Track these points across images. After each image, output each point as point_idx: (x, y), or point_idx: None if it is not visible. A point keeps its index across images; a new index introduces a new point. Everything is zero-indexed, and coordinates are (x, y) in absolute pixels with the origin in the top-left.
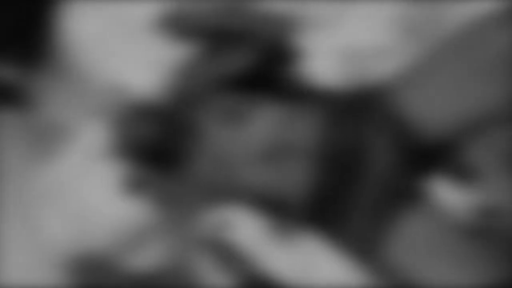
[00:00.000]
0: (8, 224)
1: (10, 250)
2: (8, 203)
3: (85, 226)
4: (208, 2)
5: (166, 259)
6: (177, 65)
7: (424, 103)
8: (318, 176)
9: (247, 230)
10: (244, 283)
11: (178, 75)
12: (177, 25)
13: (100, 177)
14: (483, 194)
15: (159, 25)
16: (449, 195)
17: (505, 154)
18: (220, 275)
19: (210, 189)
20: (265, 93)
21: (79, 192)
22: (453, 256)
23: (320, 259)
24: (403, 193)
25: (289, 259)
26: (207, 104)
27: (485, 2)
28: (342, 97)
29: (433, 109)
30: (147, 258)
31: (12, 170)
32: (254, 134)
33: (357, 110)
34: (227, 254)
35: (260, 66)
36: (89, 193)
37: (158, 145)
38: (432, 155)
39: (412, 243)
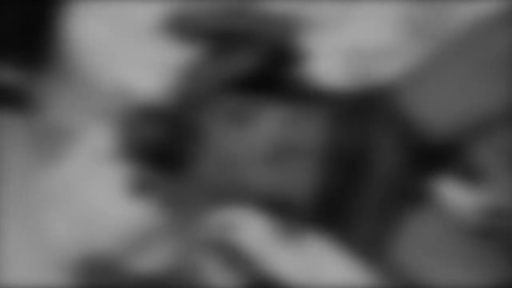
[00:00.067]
0: (12, 226)
1: (15, 252)
2: (13, 205)
3: (91, 228)
4: (212, 4)
5: (172, 260)
6: (181, 67)
7: (430, 103)
8: (323, 177)
9: (252, 231)
10: (250, 284)
11: (183, 77)
12: (182, 28)
13: (105, 179)
14: (489, 194)
15: (164, 27)
16: (455, 196)
17: (510, 154)
18: (226, 276)
19: (215, 191)
20: (270, 94)
21: (85, 194)
22: (459, 256)
23: (326, 260)
24: (409, 194)
25: (295, 260)
26: (212, 106)
27: (490, 2)
28: (347, 98)
29: (439, 109)
30: (152, 260)
31: (17, 173)
32: (259, 136)
33: (363, 111)
34: (232, 256)
35: (264, 68)
36: (94, 195)
37: (163, 147)
38: (438, 155)
39: (419, 243)
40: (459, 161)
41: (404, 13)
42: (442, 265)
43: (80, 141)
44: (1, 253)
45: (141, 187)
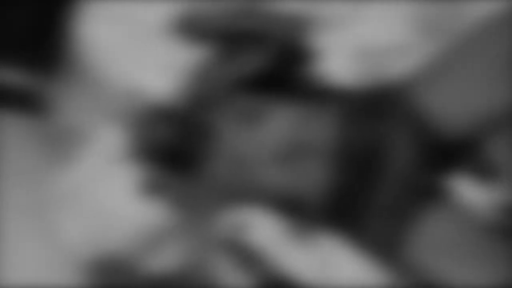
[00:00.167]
0: (25, 228)
1: (28, 253)
2: (25, 207)
3: (103, 228)
4: (222, 4)
5: (184, 260)
6: (192, 68)
7: (443, 100)
8: (335, 175)
9: (264, 231)
10: (263, 284)
11: (194, 77)
12: (192, 28)
13: (117, 180)
14: (504, 191)
15: (174, 28)
16: (469, 193)
17: None
18: (238, 276)
19: (227, 191)
20: (281, 93)
21: (97, 195)
22: (474, 254)
23: (339, 259)
24: (423, 191)
25: (308, 259)
26: (222, 106)
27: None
28: (358, 96)
29: (452, 107)
30: (165, 260)
31: (28, 175)
32: (271, 135)
33: (374, 109)
34: (245, 255)
35: (275, 67)
36: (106, 196)
37: (174, 147)
38: (452, 152)
39: (433, 241)
40: (473, 158)
41: (416, 11)
42: (457, 263)
43: (92, 143)
44: (14, 253)
45: (153, 188)
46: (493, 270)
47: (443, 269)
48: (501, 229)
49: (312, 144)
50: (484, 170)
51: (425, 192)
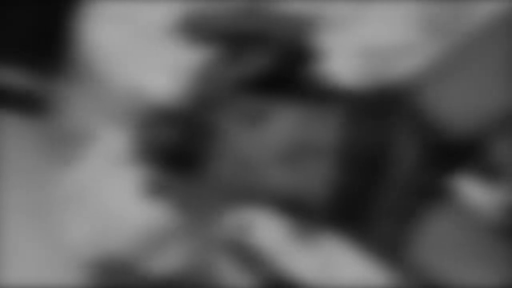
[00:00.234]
0: (27, 229)
1: (30, 254)
2: (27, 207)
3: (106, 230)
4: (226, 4)
5: (187, 261)
6: (196, 68)
7: (448, 101)
8: (339, 176)
9: (268, 232)
10: (266, 285)
11: (197, 78)
12: (196, 29)
13: (120, 181)
14: (508, 192)
15: (178, 29)
16: (474, 193)
17: None
18: (242, 277)
19: (230, 191)
20: (284, 94)
21: (101, 197)
22: (479, 254)
23: (342, 260)
24: (427, 192)
25: (311, 260)
26: (226, 107)
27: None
28: (362, 97)
29: (457, 107)
30: (168, 261)
31: (31, 176)
32: (274, 136)
33: (378, 109)
34: (248, 256)
35: (279, 67)
36: (110, 197)
37: (178, 148)
38: (457, 153)
39: (437, 242)
40: (478, 159)
41: (420, 11)
42: (461, 263)
43: (95, 144)
44: (16, 255)
45: (157, 189)
46: (498, 271)
47: (448, 269)
48: (505, 229)
49: (315, 145)
50: (488, 171)
51: (429, 192)
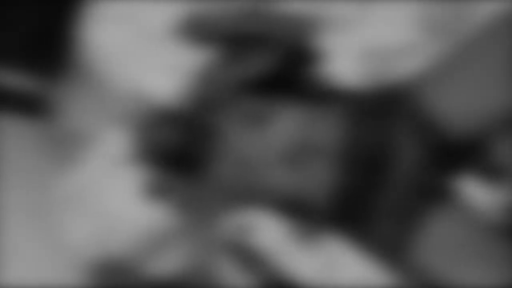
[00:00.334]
0: (28, 230)
1: (30, 255)
2: (28, 209)
3: (108, 231)
4: (227, 5)
5: (188, 263)
6: (198, 70)
7: (450, 101)
8: (341, 177)
9: (269, 233)
10: (267, 286)
11: (199, 79)
12: (197, 30)
13: (122, 183)
14: (510, 192)
15: (179, 30)
16: (476, 194)
17: None
18: (243, 279)
19: (232, 193)
20: (287, 95)
21: (101, 198)
22: (481, 255)
23: (344, 261)
24: (429, 192)
25: (313, 261)
26: (228, 108)
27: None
28: (364, 97)
29: (459, 107)
30: (168, 262)
31: (33, 177)
32: (276, 136)
33: (381, 110)
34: (249, 257)
35: (281, 68)
36: (111, 199)
37: (179, 150)
38: (459, 153)
39: (440, 242)
40: (480, 159)
41: (422, 11)
42: (463, 264)
43: (96, 145)
44: (16, 257)
45: (158, 190)
46: (499, 271)
47: (449, 270)
48: (507, 229)
49: (318, 146)
50: (489, 171)
51: (431, 193)
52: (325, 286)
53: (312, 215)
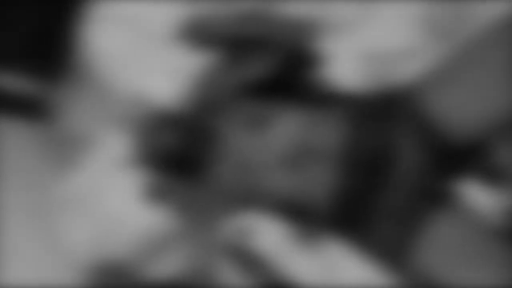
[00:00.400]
0: (28, 233)
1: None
2: (28, 211)
3: (108, 234)
4: (229, 8)
5: (188, 266)
6: (198, 73)
7: (451, 104)
8: (342, 180)
9: (270, 236)
10: None
11: (200, 82)
12: (198, 33)
13: (122, 185)
14: (511, 195)
15: (180, 33)
16: (477, 197)
17: None
18: (243, 282)
19: (232, 196)
20: (287, 98)
21: (101, 200)
22: (482, 258)
23: (345, 264)
24: (430, 196)
25: (313, 264)
26: (229, 111)
27: (509, 2)
28: (365, 100)
29: (460, 110)
30: (169, 266)
31: (33, 180)
32: (277, 140)
33: (381, 113)
34: (249, 260)
35: (282, 71)
36: (111, 202)
37: (180, 153)
38: (460, 156)
39: (441, 245)
40: (480, 162)
41: (423, 14)
42: (464, 267)
43: (97, 148)
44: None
45: (158, 193)
46: (500, 273)
47: (450, 272)
48: (508, 232)
49: (318, 149)
50: (490, 174)
51: (432, 196)
52: None
53: (312, 218)
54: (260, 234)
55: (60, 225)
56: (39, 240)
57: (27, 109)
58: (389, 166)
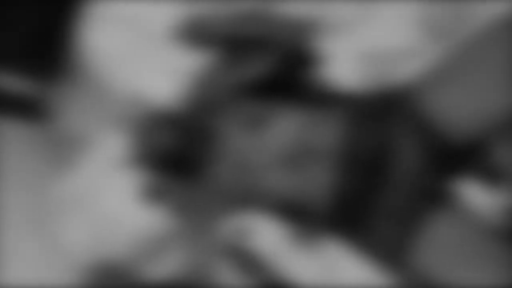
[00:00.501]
0: (26, 234)
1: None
2: (27, 212)
3: (105, 234)
4: (227, 8)
5: (186, 266)
6: (196, 73)
7: (450, 103)
8: (341, 180)
9: (268, 236)
10: None
11: (198, 82)
12: (196, 33)
13: (119, 186)
14: (510, 195)
15: (178, 33)
16: (476, 197)
17: None
18: (241, 282)
19: (231, 196)
20: (286, 98)
21: (99, 201)
22: (481, 258)
23: (343, 264)
24: (429, 195)
25: (312, 264)
26: (227, 111)
27: (509, 1)
28: (364, 100)
29: (459, 110)
30: (167, 266)
31: (30, 181)
32: (275, 140)
33: (381, 113)
34: (247, 261)
35: (280, 71)
36: (109, 202)
37: (177, 153)
38: (459, 156)
39: (440, 245)
40: (479, 162)
41: (423, 14)
42: (463, 267)
43: (95, 148)
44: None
45: (156, 193)
46: (500, 274)
47: (449, 272)
48: (507, 232)
49: (317, 149)
50: (489, 174)
51: (431, 196)
52: None
53: (311, 218)
54: (259, 234)
55: (58, 225)
56: (38, 240)
57: (25, 109)
58: (388, 166)
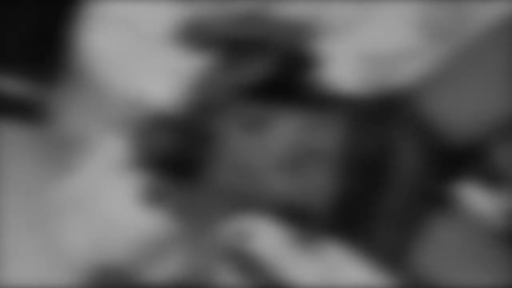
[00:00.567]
0: (26, 237)
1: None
2: (26, 215)
3: (105, 237)
4: (226, 9)
5: (186, 269)
6: (196, 75)
7: (450, 105)
8: (341, 183)
9: (268, 239)
10: None
11: (197, 84)
12: (195, 35)
13: (119, 189)
14: (511, 197)
15: (177, 35)
16: (477, 199)
17: None
18: (241, 285)
19: (230, 199)
20: (286, 100)
21: (99, 204)
22: (481, 261)
23: (345, 268)
24: (430, 198)
25: (312, 267)
26: (226, 113)
27: (509, 3)
28: (364, 102)
29: (460, 112)
30: (167, 269)
31: (30, 183)
32: (275, 142)
33: (381, 115)
34: (248, 264)
35: (279, 73)
36: (108, 205)
37: (177, 155)
38: (460, 158)
39: (440, 248)
40: (480, 164)
41: (422, 15)
42: (464, 270)
43: (94, 151)
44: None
45: (156, 196)
46: (500, 277)
47: (450, 275)
48: (507, 235)
49: (317, 151)
50: (490, 177)
51: (432, 199)
52: None
53: (312, 221)
54: (259, 237)
55: (58, 227)
56: (38, 242)
57: (24, 112)
58: (388, 169)
